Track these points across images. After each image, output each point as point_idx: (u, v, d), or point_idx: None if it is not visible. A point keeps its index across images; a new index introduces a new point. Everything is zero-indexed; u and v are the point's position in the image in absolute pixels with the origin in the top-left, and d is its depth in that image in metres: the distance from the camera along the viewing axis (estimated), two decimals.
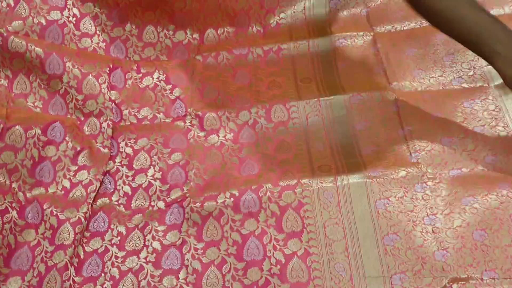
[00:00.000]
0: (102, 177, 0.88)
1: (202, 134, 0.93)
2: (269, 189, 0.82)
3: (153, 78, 1.01)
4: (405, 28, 1.03)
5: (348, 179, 0.81)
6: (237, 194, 0.82)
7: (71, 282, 0.78)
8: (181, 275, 0.77)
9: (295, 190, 0.82)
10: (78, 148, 0.90)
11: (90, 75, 0.95)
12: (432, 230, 0.75)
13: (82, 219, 0.82)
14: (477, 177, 0.79)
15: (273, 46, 1.05)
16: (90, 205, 0.84)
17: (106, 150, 0.91)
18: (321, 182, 0.82)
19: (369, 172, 0.81)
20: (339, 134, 0.89)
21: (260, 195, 0.82)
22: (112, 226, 0.83)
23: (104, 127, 0.94)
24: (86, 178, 0.87)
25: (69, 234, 0.81)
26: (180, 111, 0.97)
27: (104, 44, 1.00)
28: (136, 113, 0.97)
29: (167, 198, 0.85)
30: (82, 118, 0.94)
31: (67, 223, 0.81)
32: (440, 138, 0.84)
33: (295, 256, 0.76)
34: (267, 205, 0.81)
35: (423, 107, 0.89)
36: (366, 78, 0.96)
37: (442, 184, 0.79)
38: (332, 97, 0.93)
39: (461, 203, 0.76)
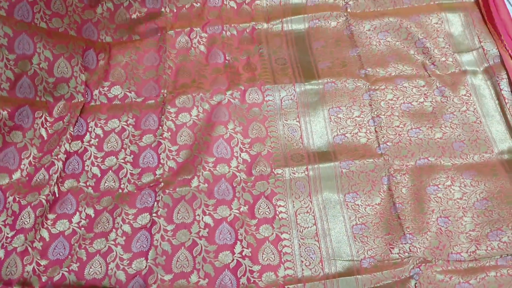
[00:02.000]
0: (64, 156, 0.85)
1: (173, 110, 0.91)
2: (243, 179, 0.82)
3: (124, 56, 0.98)
4: (378, 9, 1.03)
5: (319, 170, 0.83)
6: (211, 181, 0.82)
7: (35, 265, 0.75)
8: (150, 255, 0.75)
9: (268, 180, 0.82)
10: (45, 137, 0.86)
11: (62, 56, 0.91)
12: (399, 217, 0.77)
13: (44, 201, 0.79)
14: (442, 166, 0.82)
15: (247, 26, 1.03)
16: (53, 187, 0.81)
17: (70, 128, 0.88)
18: (294, 173, 0.83)
19: (340, 164, 0.83)
20: (312, 116, 0.90)
21: (234, 184, 0.82)
22: (80, 209, 0.80)
23: (73, 109, 0.90)
24: (49, 161, 0.84)
25: (29, 217, 0.77)
26: (153, 92, 0.94)
27: (76, 25, 0.97)
28: (106, 92, 0.94)
29: (138, 181, 0.83)
30: (52, 101, 0.90)
31: (28, 207, 0.78)
32: (408, 129, 0.86)
33: (267, 241, 0.77)
34: (240, 194, 0.81)
35: (394, 95, 0.90)
36: (340, 62, 0.96)
37: (408, 175, 0.81)
38: (306, 83, 0.93)
39: (426, 192, 0.79)
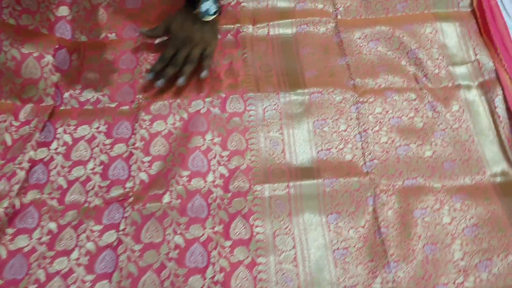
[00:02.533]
0: (29, 164, 0.78)
1: (147, 117, 0.84)
2: (219, 196, 0.76)
3: (99, 57, 0.91)
4: (369, 16, 0.97)
5: (301, 188, 0.77)
6: (184, 196, 0.76)
7: None
8: (114, 277, 0.69)
9: (246, 197, 0.76)
10: (9, 143, 0.80)
11: (31, 56, 0.84)
12: (383, 243, 0.72)
13: (2, 215, 0.72)
14: (431, 188, 0.77)
15: (231, 28, 0.96)
16: (13, 199, 0.74)
17: (37, 134, 0.81)
18: (274, 190, 0.77)
19: (323, 181, 0.78)
20: (296, 128, 0.84)
21: (209, 201, 0.76)
22: (42, 223, 0.74)
23: (41, 113, 0.84)
24: (11, 170, 0.77)
25: None
26: (127, 97, 0.88)
27: (48, 23, 0.90)
28: (78, 96, 0.87)
29: (106, 195, 0.76)
30: (19, 104, 0.84)
31: None
32: (397, 146, 0.81)
33: (241, 265, 0.71)
34: (215, 211, 0.75)
35: (383, 108, 0.85)
36: (328, 71, 0.90)
37: (394, 196, 0.76)
38: (291, 92, 0.87)
39: (413, 216, 0.74)
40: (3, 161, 0.78)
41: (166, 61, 0.88)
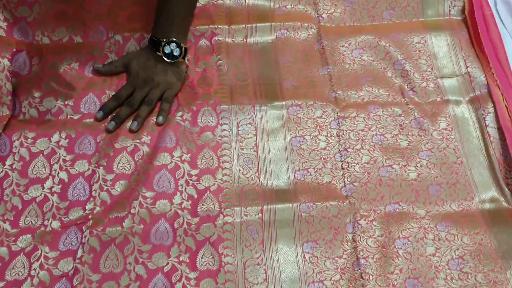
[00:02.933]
0: None
1: (113, 134, 0.78)
2: (186, 220, 0.70)
3: (63, 63, 0.84)
4: (354, 24, 0.91)
5: (276, 212, 0.71)
6: (148, 221, 0.70)
7: None
8: None
9: (216, 223, 0.70)
10: None
11: None
12: (362, 277, 0.67)
13: None
14: (415, 214, 0.71)
15: (206, 29, 0.89)
16: None
17: None
18: (246, 215, 0.71)
19: (300, 206, 0.72)
20: (272, 145, 0.78)
21: (175, 226, 0.70)
22: None
23: None
24: None
25: None
26: (92, 108, 0.80)
27: (6, 23, 0.82)
28: (37, 105, 0.80)
29: (65, 218, 0.70)
30: None
31: None
32: (379, 167, 0.75)
33: None
34: (181, 238, 0.69)
35: (366, 124, 0.79)
36: (309, 82, 0.84)
37: (375, 222, 0.70)
38: (268, 105, 0.81)
39: (395, 245, 0.68)
40: None
41: (120, 100, 0.80)
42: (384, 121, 0.79)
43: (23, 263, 0.66)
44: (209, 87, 0.83)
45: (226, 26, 0.89)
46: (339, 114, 0.80)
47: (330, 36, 0.88)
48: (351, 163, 0.75)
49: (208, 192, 0.73)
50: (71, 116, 0.80)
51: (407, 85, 0.83)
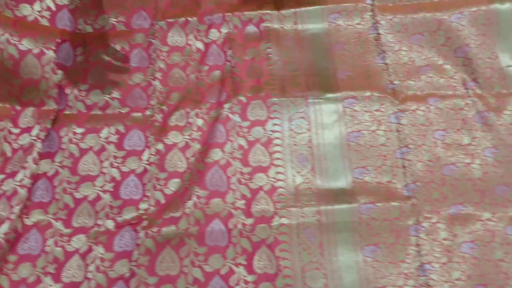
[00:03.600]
0: (31, 181, 0.70)
1: (163, 129, 0.75)
2: (241, 220, 0.68)
3: (107, 53, 0.81)
4: (413, 2, 0.83)
5: (334, 214, 0.68)
6: (202, 222, 0.68)
7: None
8: None
9: (271, 224, 0.68)
10: (9, 154, 0.71)
11: (30, 53, 0.74)
12: (428, 284, 0.63)
13: (3, 241, 0.64)
14: (481, 216, 0.67)
15: (254, 15, 0.84)
16: (14, 222, 0.66)
17: (38, 144, 0.72)
18: (303, 216, 0.69)
19: (359, 207, 0.69)
20: (327, 141, 0.75)
21: (230, 227, 0.67)
22: (46, 249, 0.67)
23: (43, 118, 0.75)
24: (11, 188, 0.69)
25: None
26: (139, 102, 0.78)
27: (49, 13, 0.79)
28: (84, 98, 0.77)
29: (118, 217, 0.68)
30: (18, 108, 0.74)
31: None
32: (442, 165, 0.71)
33: None
34: (237, 239, 0.67)
35: (427, 118, 0.75)
36: (364, 72, 0.79)
37: (439, 224, 0.66)
38: (322, 97, 0.77)
39: (460, 250, 0.65)
40: (2, 176, 0.70)
41: None
42: (445, 115, 0.75)
43: (79, 265, 0.65)
44: (258, 78, 0.79)
45: (275, 12, 0.84)
46: (398, 107, 0.75)
47: (385, 18, 0.82)
48: (413, 161, 0.71)
49: (261, 191, 0.70)
50: (119, 110, 0.77)
51: (468, 76, 0.78)
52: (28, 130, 0.74)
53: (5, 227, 0.66)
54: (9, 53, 0.72)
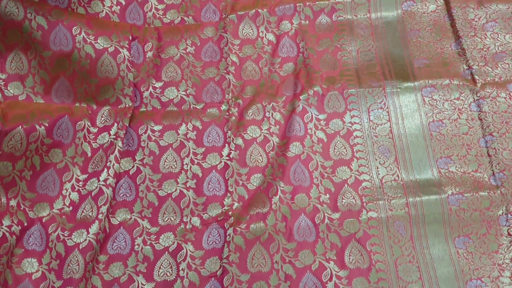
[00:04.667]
0: (114, 180, 0.69)
1: (240, 123, 0.74)
2: (328, 215, 0.67)
3: (178, 48, 0.79)
4: None
5: (422, 206, 0.67)
6: (289, 218, 0.67)
7: None
8: None
9: (360, 218, 0.67)
10: (89, 154, 0.71)
11: (106, 52, 0.73)
12: None
13: (94, 242, 0.64)
14: None
15: (326, 4, 0.82)
16: (103, 222, 0.66)
17: (119, 143, 0.72)
18: (391, 209, 0.67)
19: (448, 198, 0.67)
20: (408, 131, 0.72)
21: (317, 221, 0.66)
22: (136, 248, 0.67)
23: (120, 117, 0.74)
24: (96, 187, 0.69)
25: (78, 265, 0.63)
26: (214, 97, 0.77)
27: (119, 7, 0.78)
28: (159, 95, 0.76)
29: (204, 214, 0.68)
30: (95, 107, 0.74)
31: (76, 250, 0.64)
32: None
33: None
34: (325, 234, 0.66)
35: (509, 105, 0.72)
36: (441, 59, 0.76)
37: None
38: (399, 87, 0.74)
39: None
40: (85, 175, 0.70)
41: None
42: None
43: (170, 263, 0.65)
44: (333, 70, 0.77)
45: (348, 0, 0.81)
46: (478, 94, 0.73)
47: (459, 4, 0.79)
48: (498, 150, 0.69)
49: (346, 185, 0.69)
50: (194, 106, 0.76)
51: None
52: (107, 129, 0.73)
53: (95, 227, 0.66)
54: (86, 53, 0.71)
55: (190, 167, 0.71)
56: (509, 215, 0.65)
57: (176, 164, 0.72)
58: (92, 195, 0.68)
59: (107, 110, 0.74)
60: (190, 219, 0.68)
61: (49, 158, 0.68)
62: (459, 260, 0.63)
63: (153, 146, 0.73)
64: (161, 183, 0.71)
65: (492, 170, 0.68)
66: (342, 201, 0.68)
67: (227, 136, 0.73)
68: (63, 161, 0.69)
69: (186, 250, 0.66)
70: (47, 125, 0.66)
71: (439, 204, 0.66)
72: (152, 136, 0.74)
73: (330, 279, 0.63)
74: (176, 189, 0.70)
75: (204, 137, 0.73)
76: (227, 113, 0.75)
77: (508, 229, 0.64)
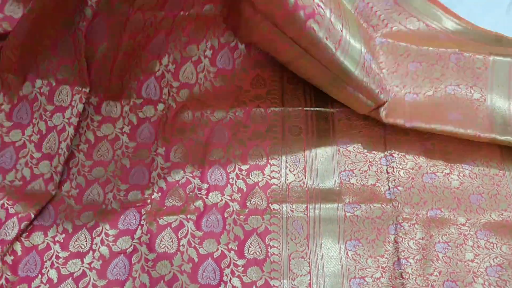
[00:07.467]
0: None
1: (170, 125, 0.80)
2: (236, 211, 0.72)
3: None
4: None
5: (320, 211, 0.72)
6: (201, 210, 0.72)
7: (3, 282, 0.65)
8: (127, 287, 0.65)
9: (263, 216, 0.72)
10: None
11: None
12: (402, 276, 0.67)
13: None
14: (455, 221, 0.70)
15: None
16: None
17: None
18: (292, 211, 0.72)
19: (344, 206, 0.73)
20: (319, 145, 0.79)
21: (225, 216, 0.71)
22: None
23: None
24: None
25: (12, 229, 0.68)
26: (153, 94, 0.81)
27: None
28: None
29: (124, 199, 0.73)
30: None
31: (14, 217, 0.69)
32: (423, 173, 0.75)
33: (254, 286, 0.67)
34: (231, 227, 0.71)
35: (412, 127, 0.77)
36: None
37: (417, 225, 0.70)
38: (316, 107, 0.81)
39: (435, 249, 0.68)
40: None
41: None
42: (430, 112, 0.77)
43: (85, 237, 0.69)
44: (262, 88, 0.83)
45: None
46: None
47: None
48: (396, 168, 0.75)
49: (256, 187, 0.74)
50: (134, 100, 0.81)
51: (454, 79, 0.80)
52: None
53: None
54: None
55: (120, 158, 0.76)
56: (398, 225, 0.70)
57: (108, 154, 0.77)
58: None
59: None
60: (111, 202, 0.73)
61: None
62: (347, 261, 0.68)
63: (90, 135, 0.78)
64: (91, 169, 0.75)
65: (389, 185, 0.74)
66: (251, 201, 0.73)
67: (157, 134, 0.79)
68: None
69: (103, 227, 0.70)
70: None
71: (335, 210, 0.72)
72: (90, 125, 0.79)
73: (228, 266, 0.67)
74: (104, 176, 0.75)
75: (137, 134, 0.79)
76: (163, 115, 0.81)
77: (395, 237, 0.70)
